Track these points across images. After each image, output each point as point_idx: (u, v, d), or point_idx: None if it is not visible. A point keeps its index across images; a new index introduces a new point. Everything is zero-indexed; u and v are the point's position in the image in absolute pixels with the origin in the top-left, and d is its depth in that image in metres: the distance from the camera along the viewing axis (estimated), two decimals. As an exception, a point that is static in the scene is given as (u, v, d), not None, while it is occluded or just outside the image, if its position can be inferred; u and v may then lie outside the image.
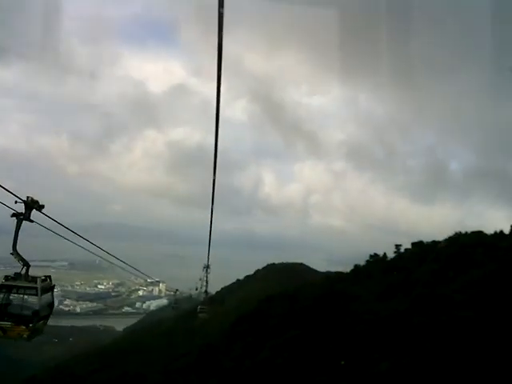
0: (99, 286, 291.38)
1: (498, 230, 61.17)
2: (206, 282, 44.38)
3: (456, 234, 60.73)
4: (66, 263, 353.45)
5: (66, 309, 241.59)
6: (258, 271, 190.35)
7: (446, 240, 60.18)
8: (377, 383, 30.84)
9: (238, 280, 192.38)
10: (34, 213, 11.98)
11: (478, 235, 58.09)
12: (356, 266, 65.50)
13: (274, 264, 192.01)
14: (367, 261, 65.62)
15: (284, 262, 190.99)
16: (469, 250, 51.67)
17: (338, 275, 69.43)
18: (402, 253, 63.33)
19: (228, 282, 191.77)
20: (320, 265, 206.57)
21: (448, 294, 42.08)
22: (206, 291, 46.95)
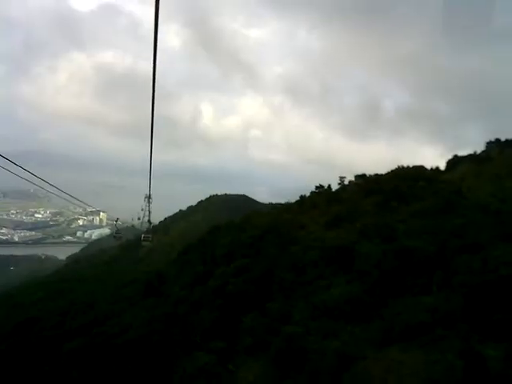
0: (36, 215, 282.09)
1: (433, 167, 64.22)
2: (149, 212, 43.45)
3: (398, 167, 62.65)
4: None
5: (4, 237, 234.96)
6: (200, 202, 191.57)
7: (388, 173, 62.03)
8: (330, 309, 31.99)
9: (180, 210, 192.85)
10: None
11: (419, 169, 60.38)
12: (301, 197, 66.12)
13: (216, 195, 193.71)
14: (312, 192, 66.25)
15: (227, 193, 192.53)
16: (411, 182, 53.60)
17: (285, 205, 69.90)
18: (346, 185, 64.61)
19: (171, 213, 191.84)
20: (262, 197, 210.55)
21: (392, 224, 43.80)
22: (149, 220, 45.66)
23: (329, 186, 64.95)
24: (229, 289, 39.71)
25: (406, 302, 30.42)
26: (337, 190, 64.31)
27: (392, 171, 62.48)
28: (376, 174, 62.18)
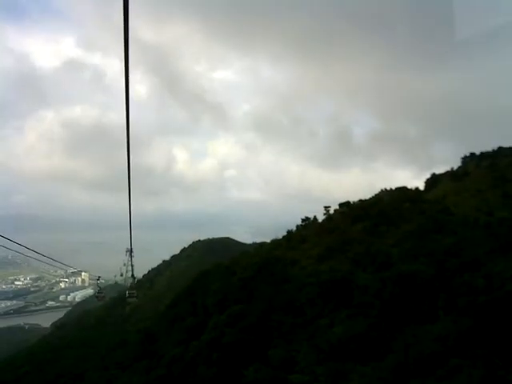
0: (16, 283, 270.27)
1: (413, 187, 63.59)
2: (132, 266, 41.26)
3: (381, 190, 61.91)
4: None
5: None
6: (184, 249, 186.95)
7: (372, 198, 61.11)
8: (335, 349, 29.92)
9: (164, 261, 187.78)
10: None
11: (402, 190, 59.66)
12: (289, 232, 64.07)
13: (199, 241, 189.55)
14: (298, 225, 64.39)
15: (209, 238, 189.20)
16: (396, 205, 52.65)
17: (272, 242, 67.04)
18: (332, 214, 62.98)
19: (154, 264, 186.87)
20: (244, 238, 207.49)
21: (384, 249, 42.41)
22: (132, 275, 43.14)
23: (314, 218, 63.45)
24: (225, 340, 37.16)
25: (414, 332, 28.63)
26: (323, 221, 62.65)
27: (375, 195, 61.74)
28: (360, 200, 61.11)
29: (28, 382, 65.74)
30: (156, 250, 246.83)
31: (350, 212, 58.38)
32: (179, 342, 42.98)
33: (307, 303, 39.33)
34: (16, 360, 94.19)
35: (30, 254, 19.10)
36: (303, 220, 63.44)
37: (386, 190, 61.92)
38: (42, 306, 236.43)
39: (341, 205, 62.22)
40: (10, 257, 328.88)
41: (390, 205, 53.14)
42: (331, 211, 62.26)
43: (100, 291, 42.83)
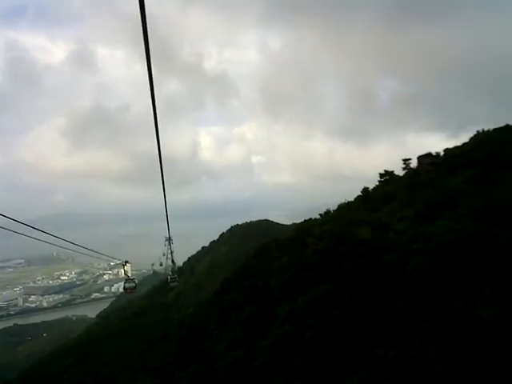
0: (62, 278, 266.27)
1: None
2: (171, 252, 37.06)
3: (477, 132, 46.89)
4: (22, 260, 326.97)
5: (33, 305, 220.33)
6: (222, 234, 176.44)
7: (466, 143, 46.19)
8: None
9: (203, 247, 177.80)
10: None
11: (507, 130, 44.35)
12: (365, 191, 47.00)
13: (237, 225, 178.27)
14: (377, 183, 48.72)
15: (247, 221, 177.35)
16: (505, 146, 37.76)
17: (341, 207, 49.15)
18: (416, 167, 47.26)
19: (194, 252, 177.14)
20: (281, 221, 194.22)
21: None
22: (172, 261, 38.54)
23: (392, 173, 48.31)
24: (309, 337, 23.71)
25: None
26: (406, 175, 47.14)
27: (471, 139, 46.66)
28: (455, 147, 45.59)
29: (71, 373, 62.66)
30: (194, 238, 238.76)
31: (444, 161, 43.39)
32: (237, 339, 29.64)
33: (419, 278, 25.53)
34: (62, 352, 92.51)
35: (75, 248, 17.94)
36: (382, 175, 48.56)
37: (483, 130, 46.89)
38: (87, 298, 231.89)
39: (420, 157, 47.16)
40: (54, 254, 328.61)
41: (498, 146, 38.18)
42: (411, 164, 47.26)
43: (129, 280, 30.39)
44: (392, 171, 48.42)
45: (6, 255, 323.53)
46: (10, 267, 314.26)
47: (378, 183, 49.75)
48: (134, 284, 29.68)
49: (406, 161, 46.81)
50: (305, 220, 52.52)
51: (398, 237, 30.15)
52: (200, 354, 31.55)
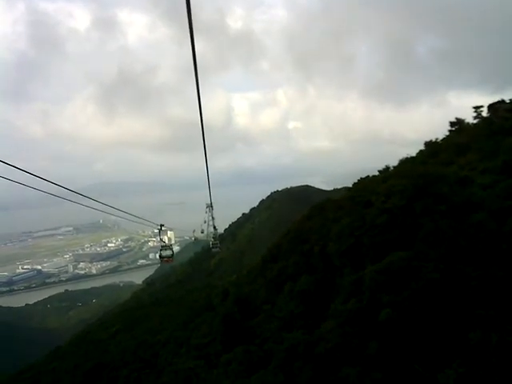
0: (109, 245, 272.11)
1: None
2: (213, 218, 36.20)
3: None
4: (71, 228, 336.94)
5: (82, 272, 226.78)
6: (262, 201, 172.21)
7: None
8: None
9: (243, 214, 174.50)
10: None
11: None
12: (429, 143, 40.20)
13: (277, 191, 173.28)
14: (447, 133, 41.46)
15: (287, 187, 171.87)
16: None
17: (403, 161, 43.48)
18: (487, 116, 40.02)
19: (234, 219, 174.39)
20: (320, 187, 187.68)
21: None
22: (214, 227, 37.04)
23: (461, 122, 40.87)
24: (385, 316, 18.67)
25: None
26: (480, 123, 39.70)
27: None
28: None
29: (119, 339, 62.27)
30: (234, 205, 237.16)
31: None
32: (292, 316, 24.84)
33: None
34: (110, 318, 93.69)
35: (121, 215, 18.17)
36: (453, 123, 41.51)
37: None
38: (133, 265, 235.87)
39: (491, 106, 39.48)
40: (101, 221, 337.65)
41: None
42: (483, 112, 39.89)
43: (165, 247, 26.07)
44: (463, 119, 41.31)
45: (56, 223, 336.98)
46: (59, 234, 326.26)
47: (423, 146, 43.05)
48: (170, 252, 25.29)
49: (476, 108, 39.52)
50: (361, 178, 46.29)
51: (486, 192, 24.13)
52: (249, 332, 27.17)
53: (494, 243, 20.80)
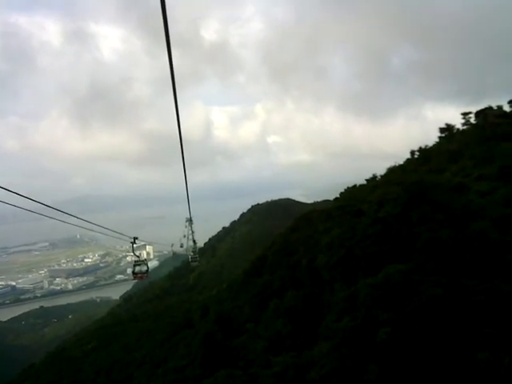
0: (86, 260, 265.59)
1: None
2: (192, 232, 35.19)
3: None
4: (47, 244, 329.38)
5: (58, 288, 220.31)
6: (243, 215, 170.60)
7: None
8: None
9: (224, 228, 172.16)
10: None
11: None
12: (422, 149, 39.04)
13: (258, 204, 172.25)
14: (437, 140, 40.44)
15: (268, 200, 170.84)
16: None
17: (391, 170, 42.39)
18: (475, 122, 38.83)
19: (215, 233, 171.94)
20: (300, 200, 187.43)
21: None
22: (193, 241, 36.19)
23: (451, 128, 39.71)
24: (384, 336, 16.67)
25: None
26: (470, 129, 38.63)
27: None
28: None
29: (93, 358, 60.82)
30: (214, 219, 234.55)
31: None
32: (280, 336, 22.47)
33: None
34: (85, 335, 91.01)
35: (98, 230, 17.21)
36: (443, 129, 40.31)
37: None
38: (111, 280, 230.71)
39: (479, 112, 38.43)
40: (78, 236, 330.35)
41: None
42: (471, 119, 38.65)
43: (139, 262, 23.52)
44: (453, 126, 40.32)
45: (32, 238, 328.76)
46: (35, 250, 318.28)
47: (407, 158, 42.21)
48: (145, 267, 22.77)
49: (465, 114, 38.64)
50: (348, 187, 44.78)
51: (485, 199, 22.62)
52: (231, 354, 24.62)
53: (498, 254, 19.15)
